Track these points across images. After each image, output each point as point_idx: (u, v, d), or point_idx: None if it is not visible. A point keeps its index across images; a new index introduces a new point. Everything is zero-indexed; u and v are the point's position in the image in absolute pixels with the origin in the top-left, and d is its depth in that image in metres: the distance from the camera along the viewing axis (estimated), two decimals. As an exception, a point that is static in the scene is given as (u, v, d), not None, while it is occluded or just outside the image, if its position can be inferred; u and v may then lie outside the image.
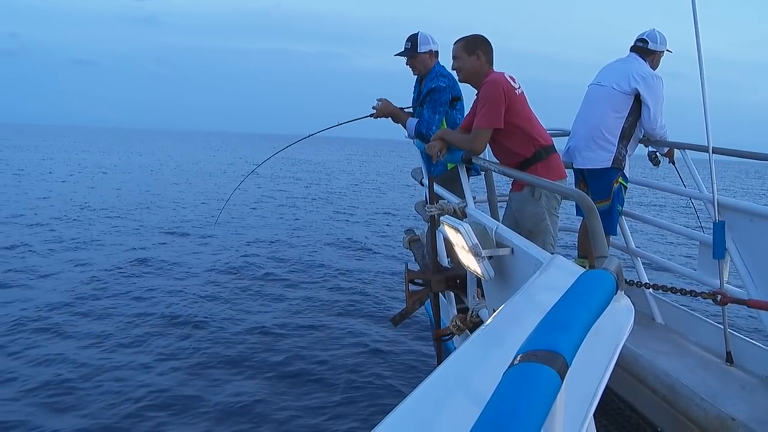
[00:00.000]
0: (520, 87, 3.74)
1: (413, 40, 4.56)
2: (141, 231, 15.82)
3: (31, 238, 14.10)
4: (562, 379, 0.79)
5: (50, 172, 32.14)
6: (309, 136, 5.31)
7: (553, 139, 3.94)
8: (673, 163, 4.51)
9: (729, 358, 3.63)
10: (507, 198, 4.04)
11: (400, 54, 4.62)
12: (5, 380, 6.37)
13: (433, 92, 4.47)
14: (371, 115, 4.78)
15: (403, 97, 4.97)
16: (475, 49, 3.78)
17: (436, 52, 4.64)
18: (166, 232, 15.68)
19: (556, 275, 1.81)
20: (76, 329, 8.09)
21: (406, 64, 4.67)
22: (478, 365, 1.18)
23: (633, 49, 4.49)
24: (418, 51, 4.54)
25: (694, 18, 3.17)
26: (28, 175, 29.11)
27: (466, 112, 4.51)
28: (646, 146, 4.65)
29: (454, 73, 4.06)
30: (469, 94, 4.17)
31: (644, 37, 4.46)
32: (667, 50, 4.49)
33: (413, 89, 4.88)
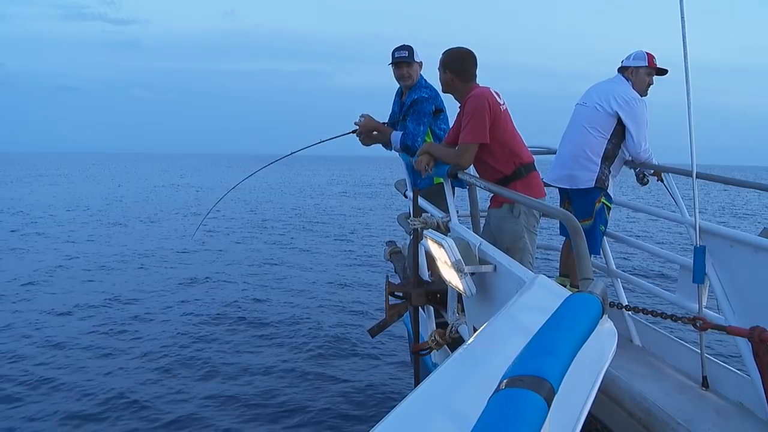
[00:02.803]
0: (504, 103, 3.73)
1: (409, 49, 4.53)
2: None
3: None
4: (549, 406, 0.77)
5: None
6: (291, 153, 5.27)
7: (535, 157, 3.93)
8: (662, 181, 4.51)
9: (705, 383, 3.64)
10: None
11: (399, 60, 4.53)
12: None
13: (416, 103, 4.45)
14: (354, 132, 4.72)
15: (388, 113, 4.95)
16: (444, 67, 3.80)
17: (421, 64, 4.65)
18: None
19: (540, 295, 1.79)
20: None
21: (397, 76, 4.60)
22: (459, 386, 1.16)
23: (618, 70, 4.53)
24: (415, 60, 4.53)
25: (684, 52, 3.19)
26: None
27: (450, 123, 4.49)
28: (630, 167, 4.66)
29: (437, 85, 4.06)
30: (451, 106, 4.17)
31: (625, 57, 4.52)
32: (660, 69, 4.46)
33: (393, 103, 4.85)
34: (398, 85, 4.74)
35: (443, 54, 3.83)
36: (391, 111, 4.88)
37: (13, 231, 18.92)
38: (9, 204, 27.88)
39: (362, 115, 4.70)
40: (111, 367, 7.23)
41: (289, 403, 6.25)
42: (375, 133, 4.75)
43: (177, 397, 6.38)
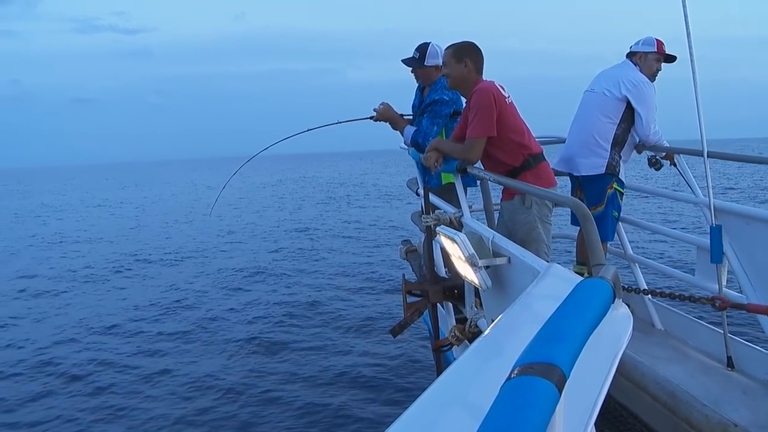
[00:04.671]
0: (509, 96, 3.70)
1: (422, 51, 4.50)
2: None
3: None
4: (560, 392, 0.78)
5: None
6: (308, 130, 5.23)
7: (543, 147, 3.92)
8: (675, 165, 4.49)
9: (730, 363, 3.61)
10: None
11: (406, 62, 4.57)
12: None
13: (435, 104, 4.43)
14: (371, 117, 4.74)
15: (399, 106, 4.95)
16: (462, 56, 3.73)
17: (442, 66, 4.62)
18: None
19: (554, 284, 1.79)
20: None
21: (411, 71, 4.64)
22: (476, 377, 1.17)
23: (627, 55, 4.51)
24: (425, 63, 4.50)
25: (688, 34, 3.16)
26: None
27: None
28: (639, 153, 4.64)
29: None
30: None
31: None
32: (669, 55, 4.44)
33: (414, 96, 4.85)
34: None
35: (455, 47, 3.78)
36: (412, 104, 4.89)
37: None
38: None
39: (382, 103, 4.73)
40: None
41: (307, 400, 6.31)
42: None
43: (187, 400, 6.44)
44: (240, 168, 5.66)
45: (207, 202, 31.81)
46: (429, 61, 4.49)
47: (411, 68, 4.60)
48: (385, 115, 4.70)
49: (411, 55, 4.57)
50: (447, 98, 4.40)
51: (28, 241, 20.93)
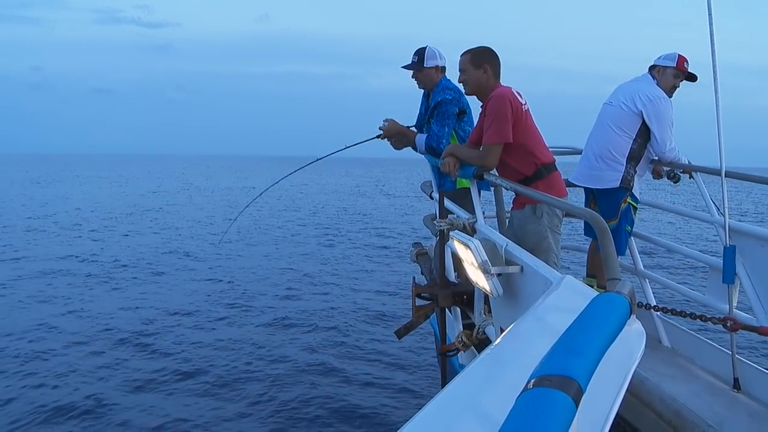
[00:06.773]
0: (526, 103, 3.67)
1: (420, 54, 4.51)
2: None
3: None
4: (577, 406, 0.78)
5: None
6: (318, 159, 5.24)
7: (558, 157, 3.89)
8: (692, 178, 4.46)
9: (736, 385, 3.57)
10: None
11: (406, 67, 4.58)
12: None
13: (440, 105, 4.42)
14: (378, 136, 4.69)
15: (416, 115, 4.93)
16: (481, 62, 3.70)
17: (443, 68, 4.58)
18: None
19: (567, 296, 1.78)
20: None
21: (412, 77, 4.63)
22: (487, 386, 1.16)
23: (648, 69, 4.48)
24: (425, 65, 4.50)
25: (712, 49, 3.15)
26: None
27: (474, 124, 4.46)
28: (658, 176, 4.64)
29: (460, 86, 3.98)
30: (475, 106, 4.13)
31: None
32: (689, 73, 4.41)
33: (420, 104, 4.84)
34: None
35: (473, 52, 3.74)
36: (418, 113, 4.87)
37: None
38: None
39: (386, 120, 4.67)
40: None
41: (313, 402, 6.29)
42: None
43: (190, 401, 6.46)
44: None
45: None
46: (428, 63, 4.49)
47: (412, 73, 4.59)
48: (392, 130, 4.64)
49: (410, 61, 4.57)
50: (450, 97, 4.39)
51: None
